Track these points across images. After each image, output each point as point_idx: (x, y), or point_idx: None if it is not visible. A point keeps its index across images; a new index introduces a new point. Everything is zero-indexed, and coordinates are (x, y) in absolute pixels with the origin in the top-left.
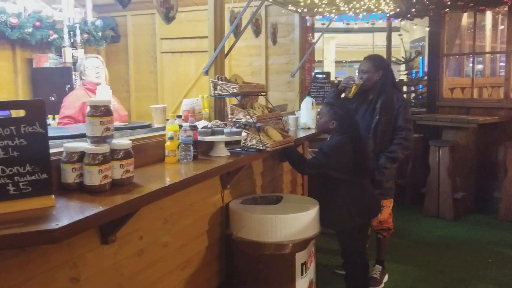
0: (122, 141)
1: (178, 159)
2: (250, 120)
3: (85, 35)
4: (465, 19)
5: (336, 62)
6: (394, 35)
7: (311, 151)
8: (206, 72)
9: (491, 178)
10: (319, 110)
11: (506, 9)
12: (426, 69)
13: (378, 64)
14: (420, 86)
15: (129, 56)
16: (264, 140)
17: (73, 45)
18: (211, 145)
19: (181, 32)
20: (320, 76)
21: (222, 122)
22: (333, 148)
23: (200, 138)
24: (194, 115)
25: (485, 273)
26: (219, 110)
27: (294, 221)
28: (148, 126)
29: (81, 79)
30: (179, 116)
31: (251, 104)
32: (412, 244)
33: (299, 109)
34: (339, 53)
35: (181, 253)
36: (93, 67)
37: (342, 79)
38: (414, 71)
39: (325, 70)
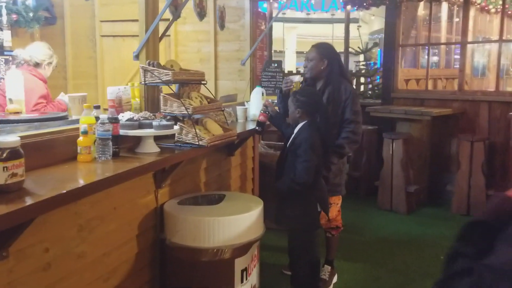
0: (7, 138)
1: (94, 157)
2: (185, 112)
3: (14, 16)
4: (421, 9)
5: (298, 52)
6: (353, 26)
7: (263, 143)
8: (137, 57)
9: (444, 171)
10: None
11: (461, 0)
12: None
13: (324, 53)
14: (378, 77)
15: (66, 40)
16: (201, 134)
17: None
18: (139, 140)
19: (123, 14)
20: (272, 65)
21: (151, 114)
22: (311, 145)
23: (122, 132)
24: (121, 105)
25: (438, 270)
26: (151, 100)
27: (234, 224)
28: (63, 118)
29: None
30: (97, 107)
31: (188, 94)
32: (364, 240)
33: (250, 100)
34: (300, 43)
35: (102, 263)
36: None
37: (284, 83)
38: (372, 62)
39: (286, 60)
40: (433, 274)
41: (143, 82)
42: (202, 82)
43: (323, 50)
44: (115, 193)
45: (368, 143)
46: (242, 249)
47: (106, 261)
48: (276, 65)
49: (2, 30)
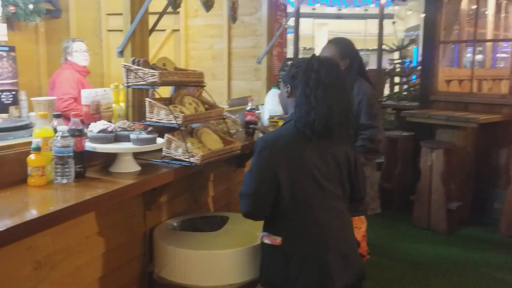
0: None
1: (51, 180)
2: (174, 122)
3: (11, 8)
4: (465, 3)
5: None
6: (388, 22)
7: None
8: (121, 53)
9: (491, 186)
10: None
11: None
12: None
13: (345, 51)
14: (414, 76)
15: (71, 35)
16: (192, 149)
17: None
18: (114, 156)
19: None
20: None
21: (131, 123)
22: None
23: (90, 147)
24: (99, 112)
25: None
26: (138, 106)
27: (233, 259)
28: (25, 127)
29: (66, 59)
30: (58, 116)
31: (181, 99)
32: (395, 265)
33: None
34: None
35: None
36: (81, 51)
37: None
38: (407, 60)
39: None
40: None
41: (125, 84)
42: (200, 84)
43: (344, 47)
44: (87, 219)
45: (403, 151)
46: None
47: None
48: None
49: None
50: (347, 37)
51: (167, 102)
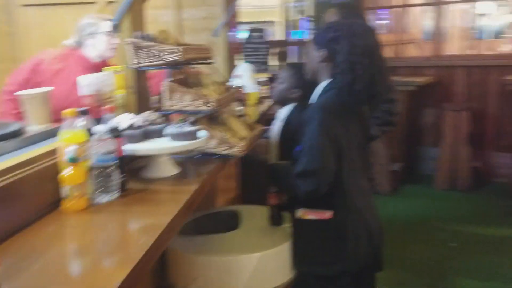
0: None
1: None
2: (204, 108)
3: None
4: None
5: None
6: None
7: None
8: (116, 28)
9: (420, 145)
10: (277, 74)
11: None
12: None
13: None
14: None
15: None
16: (228, 139)
17: None
18: (145, 159)
19: None
20: (255, 34)
21: (158, 113)
22: None
23: (128, 150)
24: (102, 104)
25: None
26: (142, 93)
27: (279, 256)
28: (15, 134)
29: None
30: (84, 112)
31: (198, 80)
32: None
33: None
34: None
35: None
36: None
37: None
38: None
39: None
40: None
41: (134, 66)
42: (210, 61)
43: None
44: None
45: None
46: None
47: None
48: (260, 34)
49: None
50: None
51: (182, 85)
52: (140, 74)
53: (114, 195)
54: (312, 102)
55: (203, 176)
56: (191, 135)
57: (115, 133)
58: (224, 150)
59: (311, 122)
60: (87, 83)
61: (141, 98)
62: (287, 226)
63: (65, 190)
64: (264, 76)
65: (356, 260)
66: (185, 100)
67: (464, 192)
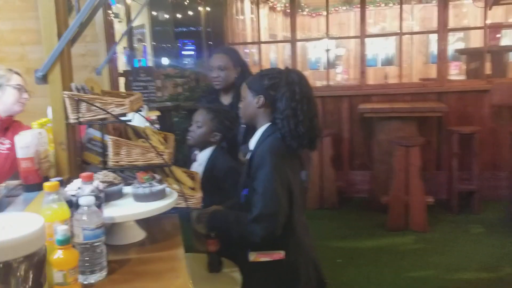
0: None
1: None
2: (157, 161)
3: None
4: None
5: None
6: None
7: None
8: (43, 79)
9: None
10: (194, 116)
11: None
12: None
13: (236, 59)
14: None
15: None
16: (183, 190)
17: None
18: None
19: None
20: (141, 70)
21: (118, 173)
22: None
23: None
24: (40, 166)
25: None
26: (73, 149)
27: None
28: None
29: None
30: (60, 181)
31: (143, 131)
32: None
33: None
34: None
35: None
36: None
37: None
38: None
39: None
40: None
41: (73, 121)
42: (139, 110)
43: (235, 55)
44: None
45: None
46: None
47: None
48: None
49: None
50: None
51: (137, 136)
52: (71, 129)
53: (102, 274)
54: (253, 147)
55: (176, 235)
56: (161, 194)
57: (99, 202)
58: (182, 203)
59: (262, 166)
60: (25, 145)
61: (72, 155)
62: (228, 271)
63: (58, 276)
64: (155, 114)
65: None
66: (133, 155)
67: (332, 210)
